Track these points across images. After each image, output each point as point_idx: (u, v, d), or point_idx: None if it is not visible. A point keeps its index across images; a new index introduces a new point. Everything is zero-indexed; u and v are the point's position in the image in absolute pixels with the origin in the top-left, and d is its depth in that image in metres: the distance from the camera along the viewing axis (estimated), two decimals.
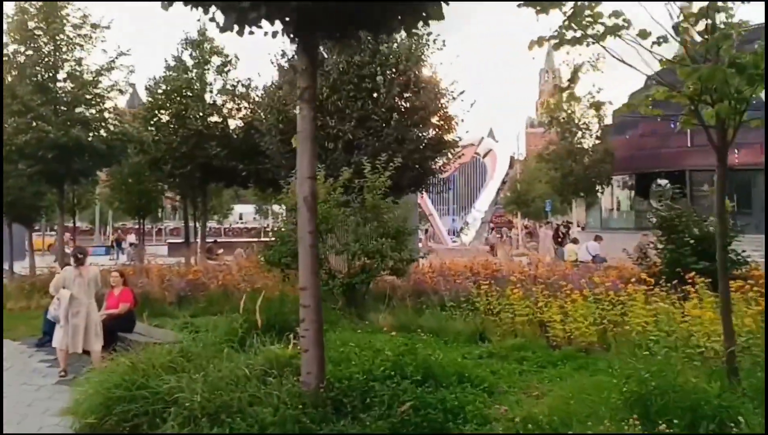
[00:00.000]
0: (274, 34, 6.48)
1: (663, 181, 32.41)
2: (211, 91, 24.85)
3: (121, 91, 19.52)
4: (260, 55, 23.15)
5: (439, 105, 19.64)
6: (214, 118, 24.63)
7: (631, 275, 13.46)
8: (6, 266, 23.25)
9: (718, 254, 6.72)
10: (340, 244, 13.95)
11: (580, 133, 31.81)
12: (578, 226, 39.28)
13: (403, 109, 19.15)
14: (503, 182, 64.92)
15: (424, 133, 19.82)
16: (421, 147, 19.86)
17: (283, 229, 14.10)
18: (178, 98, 24.07)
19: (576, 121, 31.71)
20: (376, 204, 13.39)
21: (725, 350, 6.80)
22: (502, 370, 9.13)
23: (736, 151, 27.59)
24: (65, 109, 19.17)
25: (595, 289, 11.41)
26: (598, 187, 32.17)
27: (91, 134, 18.68)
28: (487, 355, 10.07)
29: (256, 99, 24.23)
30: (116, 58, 19.35)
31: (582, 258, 23.75)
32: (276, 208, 62.70)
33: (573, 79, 6.59)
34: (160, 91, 24.41)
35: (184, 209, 34.09)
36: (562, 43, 6.43)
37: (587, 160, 30.96)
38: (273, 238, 14.88)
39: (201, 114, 24.02)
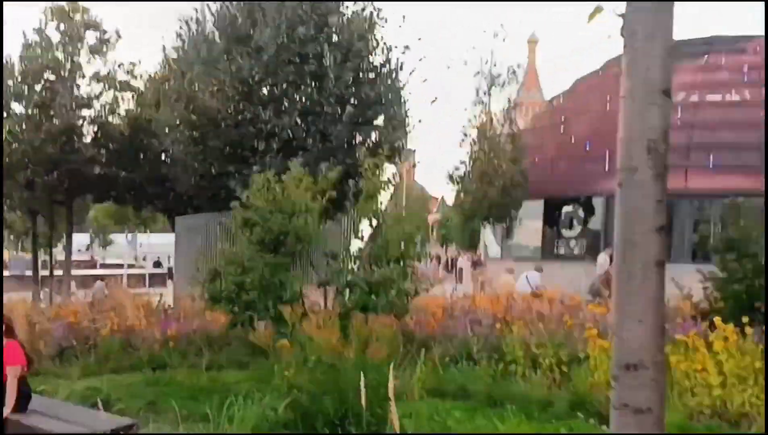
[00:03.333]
0: None
1: (568, 208, 29.71)
2: (83, 77, 18.73)
3: None
4: (148, 32, 17.94)
5: (398, 98, 15.21)
6: (89, 112, 18.57)
7: None
8: None
9: None
10: (322, 271, 9.21)
11: (492, 154, 28.35)
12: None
13: (354, 102, 14.47)
14: None
15: (373, 135, 15.26)
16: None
17: (241, 252, 9.01)
18: (42, 83, 17.85)
19: (492, 140, 28.30)
20: (387, 215, 8.79)
21: None
22: None
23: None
24: None
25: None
26: (512, 213, 28.81)
27: None
28: None
29: (145, 87, 18.59)
30: None
31: (520, 289, 20.07)
32: (144, 237, 55.07)
33: None
34: (16, 72, 18.05)
35: (33, 232, 27.26)
36: None
37: (501, 184, 27.50)
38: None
39: (72, 105, 17.94)
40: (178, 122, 15.49)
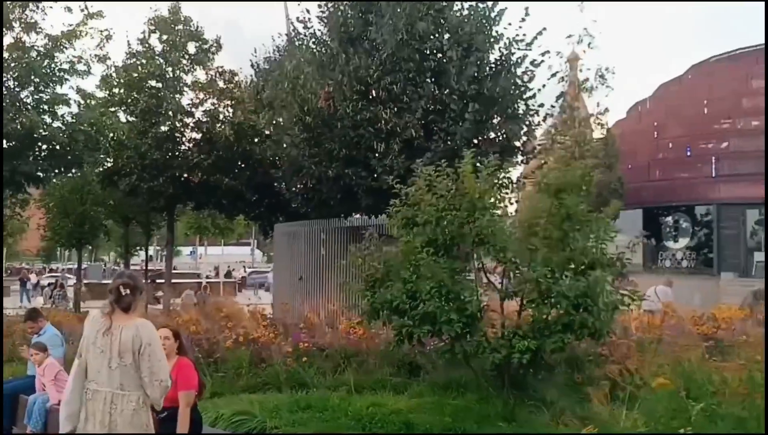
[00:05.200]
0: None
1: (669, 217, 27.43)
2: (185, 85, 17.82)
3: (88, 67, 12.74)
4: (243, 42, 17.08)
5: (521, 94, 13.73)
6: (193, 119, 17.66)
7: None
8: None
9: None
10: (506, 278, 7.66)
11: (584, 159, 26.38)
12: None
13: (474, 99, 13.03)
14: None
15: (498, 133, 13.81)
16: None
17: (410, 258, 7.42)
18: (147, 91, 16.96)
19: (580, 145, 26.37)
20: (574, 212, 7.13)
21: None
22: None
23: None
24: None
25: None
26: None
27: (47, 122, 11.84)
28: None
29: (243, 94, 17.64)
30: (85, 20, 12.62)
31: (649, 306, 17.86)
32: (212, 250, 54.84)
33: None
34: (122, 80, 17.22)
35: (125, 239, 26.73)
36: None
37: (596, 191, 25.36)
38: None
39: (176, 112, 17.08)
40: (294, 123, 14.22)
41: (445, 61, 13.39)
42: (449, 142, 13.20)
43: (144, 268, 28.33)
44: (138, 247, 31.56)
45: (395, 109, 13.18)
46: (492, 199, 7.56)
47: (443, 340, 7.93)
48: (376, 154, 13.16)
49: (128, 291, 4.48)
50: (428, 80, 13.33)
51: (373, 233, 8.49)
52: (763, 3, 13.25)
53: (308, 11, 15.05)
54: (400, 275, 7.53)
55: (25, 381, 8.31)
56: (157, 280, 28.89)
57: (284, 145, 14.68)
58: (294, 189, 15.12)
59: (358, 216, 16.51)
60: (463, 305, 7.16)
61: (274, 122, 17.62)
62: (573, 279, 7.10)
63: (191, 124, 18.26)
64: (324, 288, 16.49)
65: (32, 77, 12.81)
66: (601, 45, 34.83)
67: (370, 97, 13.41)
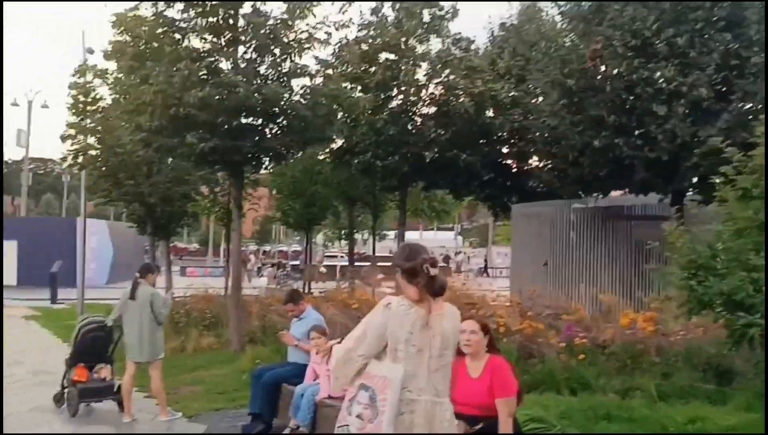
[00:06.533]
0: None
1: None
2: (420, 54, 17.33)
3: (329, 36, 12.32)
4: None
5: None
6: (425, 91, 17.14)
7: None
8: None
9: None
10: None
11: None
12: None
13: None
14: None
15: None
16: None
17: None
18: (382, 62, 16.57)
19: None
20: None
21: None
22: None
23: None
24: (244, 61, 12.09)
25: None
26: None
27: (288, 94, 11.45)
28: None
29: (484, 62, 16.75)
30: None
31: None
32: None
33: None
34: (354, 53, 17.01)
35: (350, 222, 27.17)
36: None
37: None
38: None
39: (409, 84, 16.52)
40: (552, 88, 12.93)
41: (741, 8, 11.39)
42: (745, 104, 11.24)
43: (372, 250, 28.55)
44: (354, 230, 32.01)
45: (679, 65, 11.42)
46: None
47: None
48: (655, 120, 11.49)
49: (436, 269, 3.58)
50: (720, 31, 11.42)
51: (689, 211, 7.06)
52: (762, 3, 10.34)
53: None
54: (742, 260, 6.04)
55: (287, 369, 7.75)
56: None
57: (535, 116, 13.42)
58: (546, 164, 13.90)
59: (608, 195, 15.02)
60: None
61: (514, 93, 16.61)
62: None
63: (425, 98, 17.54)
64: (576, 274, 15.23)
65: (272, 47, 12.59)
66: None
67: (648, 53, 11.75)
